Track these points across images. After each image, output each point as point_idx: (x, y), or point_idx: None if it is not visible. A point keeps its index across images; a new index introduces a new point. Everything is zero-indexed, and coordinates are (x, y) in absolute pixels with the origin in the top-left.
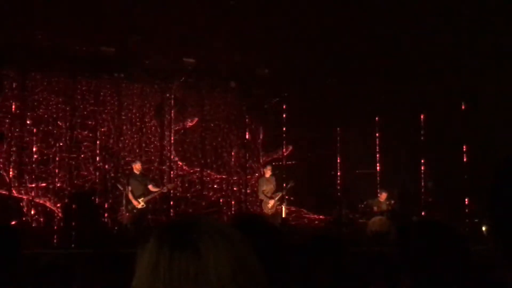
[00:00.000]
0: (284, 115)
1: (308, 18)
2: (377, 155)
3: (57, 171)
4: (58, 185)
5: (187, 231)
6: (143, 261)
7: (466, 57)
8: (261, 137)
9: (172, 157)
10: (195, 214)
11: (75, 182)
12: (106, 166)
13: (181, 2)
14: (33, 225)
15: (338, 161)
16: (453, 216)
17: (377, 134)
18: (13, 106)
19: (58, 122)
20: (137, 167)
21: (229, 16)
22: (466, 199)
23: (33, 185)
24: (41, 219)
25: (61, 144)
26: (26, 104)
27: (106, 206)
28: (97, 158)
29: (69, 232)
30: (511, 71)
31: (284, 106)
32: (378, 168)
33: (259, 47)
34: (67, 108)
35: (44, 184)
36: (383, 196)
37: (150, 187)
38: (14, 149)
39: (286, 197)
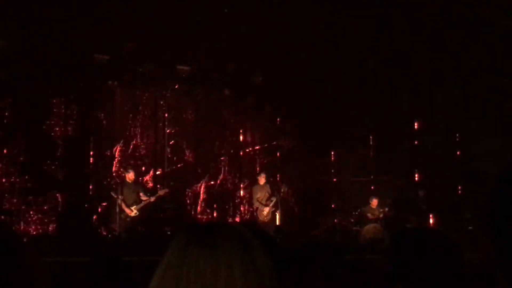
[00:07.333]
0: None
1: (302, 26)
2: (372, 163)
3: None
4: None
5: (212, 233)
6: (168, 259)
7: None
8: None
9: (165, 164)
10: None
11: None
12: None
13: (175, 10)
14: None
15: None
16: (448, 223)
17: (371, 143)
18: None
19: (56, 129)
20: (129, 176)
21: (223, 24)
22: (461, 206)
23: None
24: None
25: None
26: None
27: (99, 214)
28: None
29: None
30: (504, 79)
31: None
32: (372, 176)
33: (254, 54)
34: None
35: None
36: (374, 202)
37: (141, 195)
38: None
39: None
